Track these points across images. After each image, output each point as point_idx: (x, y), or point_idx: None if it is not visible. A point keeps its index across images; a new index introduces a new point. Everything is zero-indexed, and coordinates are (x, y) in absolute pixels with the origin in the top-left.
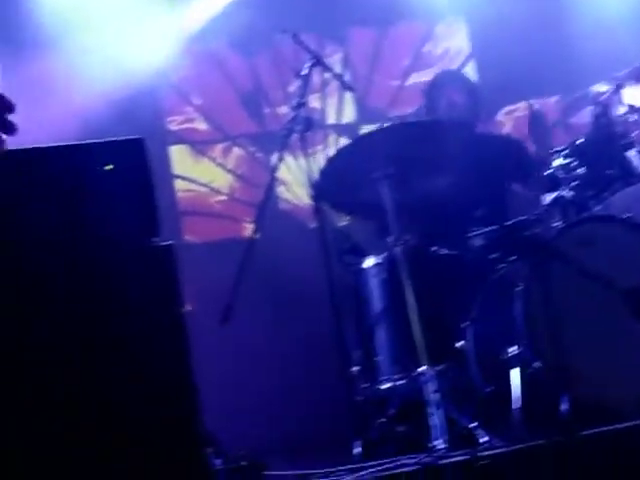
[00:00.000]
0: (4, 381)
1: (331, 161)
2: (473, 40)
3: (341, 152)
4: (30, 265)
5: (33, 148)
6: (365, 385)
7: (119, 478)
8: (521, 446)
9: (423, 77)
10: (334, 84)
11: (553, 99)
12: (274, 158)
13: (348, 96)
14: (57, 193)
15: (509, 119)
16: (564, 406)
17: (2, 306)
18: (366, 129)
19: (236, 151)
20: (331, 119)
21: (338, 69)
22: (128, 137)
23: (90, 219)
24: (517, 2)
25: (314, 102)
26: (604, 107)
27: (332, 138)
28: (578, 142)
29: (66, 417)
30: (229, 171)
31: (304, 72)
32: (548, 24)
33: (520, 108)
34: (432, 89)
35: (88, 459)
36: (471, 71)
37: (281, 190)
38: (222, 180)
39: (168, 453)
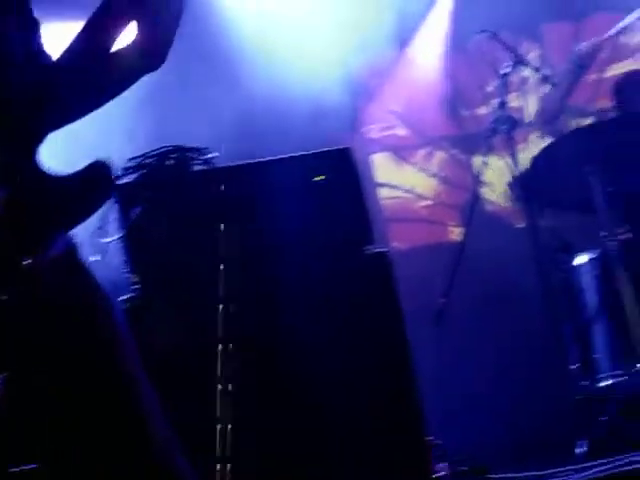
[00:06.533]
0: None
1: (538, 159)
2: None
3: (548, 150)
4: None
5: (248, 164)
6: (585, 383)
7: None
8: None
9: (621, 69)
10: (532, 82)
11: None
12: (477, 160)
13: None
14: (274, 204)
15: None
16: None
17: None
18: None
19: (438, 155)
20: (530, 117)
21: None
22: (337, 147)
23: (312, 229)
24: None
25: (514, 101)
26: None
27: (533, 136)
28: None
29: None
30: (432, 175)
31: (504, 71)
32: None
33: None
34: (626, 87)
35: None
36: None
37: (486, 191)
38: (426, 185)
39: (392, 457)
